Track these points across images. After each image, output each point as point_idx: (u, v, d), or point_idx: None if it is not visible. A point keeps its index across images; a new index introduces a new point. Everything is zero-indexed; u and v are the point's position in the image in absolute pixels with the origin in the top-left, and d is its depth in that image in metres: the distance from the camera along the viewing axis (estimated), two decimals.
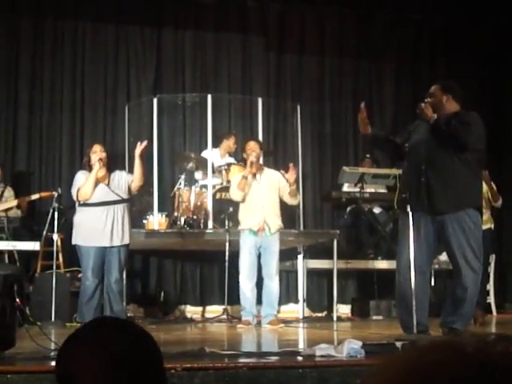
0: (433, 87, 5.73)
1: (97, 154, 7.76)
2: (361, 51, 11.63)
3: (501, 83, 11.84)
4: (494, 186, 8.53)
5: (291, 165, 8.04)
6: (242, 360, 4.13)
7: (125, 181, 7.88)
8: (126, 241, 7.75)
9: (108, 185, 7.75)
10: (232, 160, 9.97)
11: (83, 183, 7.69)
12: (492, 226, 8.41)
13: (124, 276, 8.19)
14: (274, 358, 4.20)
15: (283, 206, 8.34)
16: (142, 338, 1.68)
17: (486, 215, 8.17)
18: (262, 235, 7.87)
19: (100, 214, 7.63)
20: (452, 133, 5.49)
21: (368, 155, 10.76)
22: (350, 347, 3.88)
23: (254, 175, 8.00)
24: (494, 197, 8.51)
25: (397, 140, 5.73)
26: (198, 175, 9.85)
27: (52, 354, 4.08)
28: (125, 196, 7.83)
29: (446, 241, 5.53)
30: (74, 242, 7.77)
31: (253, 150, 8.04)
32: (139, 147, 7.80)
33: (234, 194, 8.08)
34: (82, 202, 7.70)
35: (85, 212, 7.70)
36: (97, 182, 7.70)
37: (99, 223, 7.60)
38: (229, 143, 10.08)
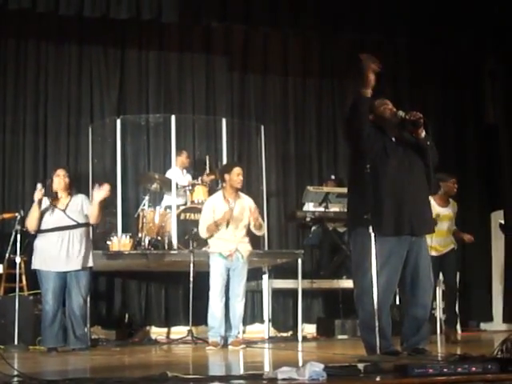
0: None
1: (60, 177, 7.71)
2: (324, 71, 11.70)
3: (461, 103, 11.99)
4: None
5: (253, 208, 8.03)
6: None
7: (86, 207, 7.80)
8: (86, 264, 7.68)
9: (65, 210, 7.66)
10: (190, 178, 9.99)
11: (29, 214, 7.70)
12: (455, 246, 8.55)
13: (88, 299, 8.11)
14: (236, 382, 4.17)
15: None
16: None
17: (450, 238, 8.34)
18: (231, 260, 7.88)
19: (55, 240, 7.59)
20: (433, 152, 5.47)
21: (333, 176, 10.84)
22: (312, 370, 3.86)
23: (228, 200, 7.98)
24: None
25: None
26: (167, 197, 9.82)
27: (13, 380, 4.02)
28: (81, 221, 7.75)
29: (416, 261, 5.45)
30: (33, 267, 7.71)
31: (239, 175, 7.96)
32: (98, 192, 7.54)
33: (202, 233, 8.03)
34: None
35: (42, 237, 7.67)
36: (53, 208, 7.64)
37: (54, 249, 7.58)
38: (181, 159, 10.06)
